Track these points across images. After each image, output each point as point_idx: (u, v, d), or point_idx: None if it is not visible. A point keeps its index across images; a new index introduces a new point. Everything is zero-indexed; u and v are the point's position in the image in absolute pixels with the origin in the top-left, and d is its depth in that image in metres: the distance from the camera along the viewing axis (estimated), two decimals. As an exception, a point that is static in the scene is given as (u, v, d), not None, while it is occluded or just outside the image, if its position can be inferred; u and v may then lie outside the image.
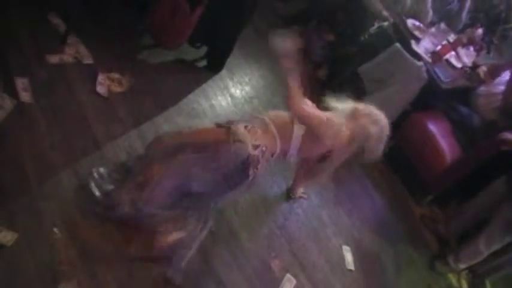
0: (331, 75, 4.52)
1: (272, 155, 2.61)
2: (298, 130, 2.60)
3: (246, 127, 2.52)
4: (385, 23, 4.19)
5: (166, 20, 3.28)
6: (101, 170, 2.63)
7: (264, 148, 2.51)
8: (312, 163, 2.95)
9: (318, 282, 3.12)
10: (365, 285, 3.32)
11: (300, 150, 2.65)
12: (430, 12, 4.35)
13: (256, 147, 2.49)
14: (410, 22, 4.17)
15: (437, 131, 4.12)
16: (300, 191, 3.45)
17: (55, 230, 2.39)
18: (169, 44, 3.50)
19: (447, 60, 4.19)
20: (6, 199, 2.37)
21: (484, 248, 3.67)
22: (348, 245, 3.48)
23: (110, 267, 2.44)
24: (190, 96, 3.51)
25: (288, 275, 3.03)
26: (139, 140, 2.98)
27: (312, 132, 2.60)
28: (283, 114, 2.67)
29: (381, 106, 3.93)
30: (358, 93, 4.04)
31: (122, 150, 2.88)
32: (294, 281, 3.02)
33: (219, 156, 2.45)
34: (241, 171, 2.50)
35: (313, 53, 4.69)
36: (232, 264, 2.86)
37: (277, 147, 2.59)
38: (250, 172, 2.51)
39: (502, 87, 4.10)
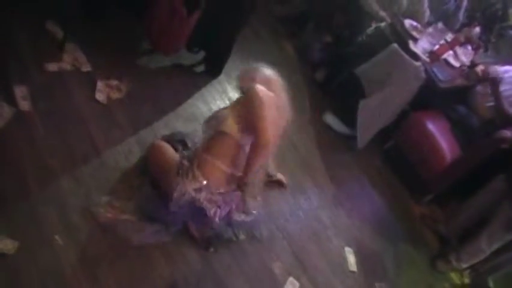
0: (329, 77, 4.52)
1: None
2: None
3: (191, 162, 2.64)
4: (382, 24, 4.19)
5: (163, 25, 3.28)
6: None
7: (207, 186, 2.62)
8: None
9: (321, 284, 3.12)
10: (367, 286, 3.32)
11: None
12: (427, 12, 4.35)
13: (198, 190, 2.61)
14: (407, 22, 4.17)
15: (436, 130, 4.12)
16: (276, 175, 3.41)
17: (56, 236, 2.41)
18: (167, 49, 3.50)
19: (445, 60, 4.19)
20: (7, 207, 2.39)
21: (485, 246, 3.67)
22: (349, 246, 3.48)
23: (111, 271, 2.46)
24: (189, 100, 3.52)
25: (291, 278, 3.03)
26: (138, 145, 2.99)
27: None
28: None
29: (380, 106, 3.99)
30: (357, 94, 4.06)
31: (122, 155, 2.90)
32: (297, 284, 3.03)
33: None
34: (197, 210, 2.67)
35: (311, 55, 4.69)
36: (233, 267, 2.86)
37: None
38: (208, 213, 2.67)
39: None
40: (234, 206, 2.82)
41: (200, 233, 2.82)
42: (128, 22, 3.54)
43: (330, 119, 4.27)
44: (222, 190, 2.67)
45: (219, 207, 2.70)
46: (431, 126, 4.13)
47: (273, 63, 4.27)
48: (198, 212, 2.67)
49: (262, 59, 4.20)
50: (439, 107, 4.28)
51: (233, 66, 3.93)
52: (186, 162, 2.65)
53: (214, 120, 2.64)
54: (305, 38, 4.87)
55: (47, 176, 2.59)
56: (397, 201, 4.17)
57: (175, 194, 2.60)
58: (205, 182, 2.61)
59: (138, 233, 2.62)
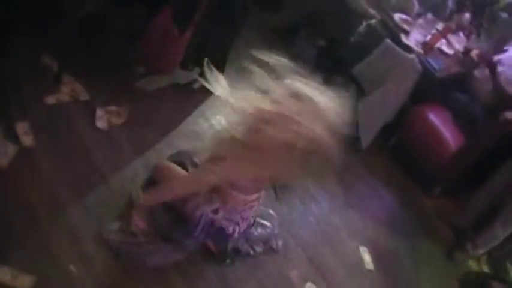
0: (326, 80, 4.52)
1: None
2: None
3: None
4: (373, 21, 4.21)
5: (157, 46, 3.30)
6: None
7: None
8: None
9: (339, 286, 3.12)
10: (386, 284, 3.32)
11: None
12: (416, 4, 4.37)
13: (215, 211, 2.60)
14: (397, 16, 4.19)
15: (439, 121, 4.14)
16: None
17: (71, 267, 2.41)
18: (162, 70, 3.52)
19: (439, 49, 4.20)
20: (20, 242, 2.39)
21: (500, 231, 3.66)
22: (364, 245, 3.49)
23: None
24: (190, 118, 3.53)
25: (309, 284, 3.03)
26: (143, 168, 2.99)
27: None
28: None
29: (380, 104, 4.00)
30: (356, 95, 4.07)
31: (128, 180, 2.90)
32: (315, 290, 3.03)
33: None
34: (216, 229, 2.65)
35: (306, 61, 4.70)
36: (251, 280, 2.86)
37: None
38: (227, 231, 2.66)
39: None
40: (252, 221, 2.82)
41: (217, 246, 2.83)
42: (121, 47, 3.55)
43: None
44: (239, 208, 2.67)
45: (237, 224, 2.70)
46: (433, 118, 4.15)
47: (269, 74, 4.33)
48: (216, 231, 2.67)
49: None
50: (439, 98, 4.29)
51: (229, 79, 3.93)
52: None
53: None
54: (299, 45, 4.89)
55: (56, 207, 2.59)
56: (408, 196, 4.17)
57: (194, 216, 2.61)
58: (220, 204, 2.62)
59: (153, 256, 2.61)
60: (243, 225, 2.73)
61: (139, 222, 2.65)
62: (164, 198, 2.63)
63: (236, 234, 2.72)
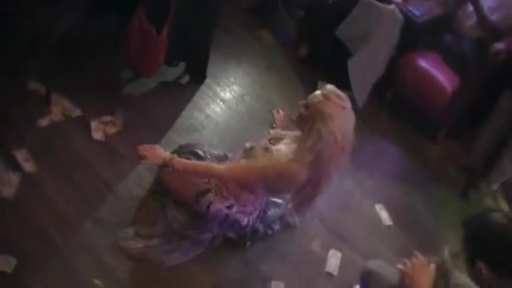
0: (312, 49, 4.51)
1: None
2: None
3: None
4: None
5: (138, 49, 3.29)
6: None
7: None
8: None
9: (362, 248, 3.14)
10: (407, 236, 3.33)
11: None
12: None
13: (229, 206, 2.65)
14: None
15: (430, 66, 4.11)
16: None
17: (96, 281, 2.45)
18: (148, 71, 3.51)
19: (418, -5, 4.16)
20: (40, 267, 2.43)
21: (510, 163, 3.65)
22: (379, 203, 3.50)
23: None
24: (184, 113, 3.54)
25: (332, 251, 3.07)
26: (147, 171, 3.01)
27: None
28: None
29: (368, 60, 3.98)
30: (344, 57, 4.04)
31: (134, 185, 2.93)
32: (339, 254, 3.06)
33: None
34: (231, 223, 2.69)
35: (287, 34, 4.69)
36: (273, 258, 2.90)
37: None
38: (242, 224, 2.69)
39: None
40: (263, 206, 2.84)
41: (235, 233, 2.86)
42: (103, 57, 3.56)
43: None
44: (251, 200, 2.70)
45: (250, 214, 2.73)
46: (423, 64, 4.12)
47: (255, 55, 4.35)
48: (231, 224, 2.70)
49: (241, 53, 4.29)
50: (426, 44, 4.26)
51: (215, 67, 3.94)
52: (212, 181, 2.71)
53: (248, 154, 2.62)
54: (278, 20, 4.88)
55: (69, 226, 2.63)
56: (414, 147, 4.16)
57: (208, 212, 2.66)
58: (235, 201, 2.67)
59: (172, 254, 2.65)
60: (256, 213, 2.77)
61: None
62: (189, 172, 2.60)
63: (251, 223, 2.75)
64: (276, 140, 2.58)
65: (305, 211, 2.73)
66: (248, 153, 2.60)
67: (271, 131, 2.71)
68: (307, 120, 2.31)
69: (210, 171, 2.55)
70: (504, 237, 1.80)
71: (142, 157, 2.51)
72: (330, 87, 2.34)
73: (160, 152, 2.55)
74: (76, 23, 3.20)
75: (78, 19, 3.21)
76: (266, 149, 2.51)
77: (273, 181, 2.45)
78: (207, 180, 2.68)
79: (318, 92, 2.33)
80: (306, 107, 2.34)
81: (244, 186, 2.62)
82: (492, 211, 1.89)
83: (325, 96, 2.29)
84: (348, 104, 2.33)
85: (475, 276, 1.87)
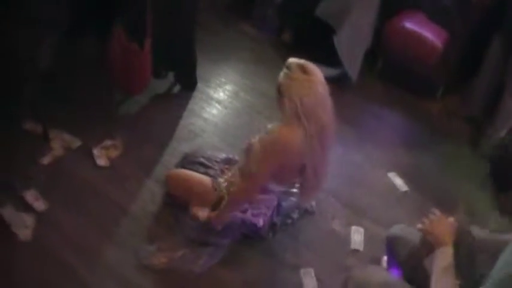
0: (296, 33, 4.50)
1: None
2: None
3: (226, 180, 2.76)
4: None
5: (123, 67, 3.29)
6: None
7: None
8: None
9: (383, 218, 3.11)
10: (425, 198, 3.30)
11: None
12: None
13: (244, 210, 2.70)
14: None
15: (416, 26, 4.11)
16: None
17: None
18: (138, 87, 3.51)
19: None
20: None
21: (513, 105, 3.65)
22: (391, 171, 3.49)
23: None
24: (182, 122, 3.55)
25: (353, 227, 3.06)
26: (157, 185, 3.03)
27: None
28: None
29: (353, 33, 3.96)
30: (329, 36, 4.03)
31: (147, 202, 2.94)
32: (362, 230, 3.05)
33: None
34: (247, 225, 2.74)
35: (269, 23, 4.68)
36: (296, 246, 2.90)
37: None
38: (258, 225, 2.72)
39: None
40: (276, 203, 2.84)
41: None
42: (92, 81, 3.59)
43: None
44: (263, 202, 2.72)
45: (265, 214, 2.74)
46: (409, 25, 4.13)
47: (240, 50, 4.34)
48: (248, 227, 2.73)
49: (226, 51, 4.29)
50: (408, 5, 4.25)
51: (204, 70, 3.94)
52: (223, 185, 2.74)
53: (249, 151, 2.63)
54: (257, 11, 4.87)
55: (91, 256, 2.64)
56: (414, 110, 4.15)
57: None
58: (248, 205, 2.69)
59: (197, 262, 2.66)
60: (270, 212, 2.78)
61: None
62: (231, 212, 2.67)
63: (266, 223, 2.77)
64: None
65: (314, 196, 2.79)
66: (248, 153, 2.62)
67: (269, 126, 2.71)
68: (282, 98, 2.35)
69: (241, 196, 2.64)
70: None
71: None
72: (290, 59, 2.37)
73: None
74: (56, 46, 3.22)
75: (58, 41, 3.24)
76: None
77: (276, 164, 2.46)
78: (216, 187, 2.73)
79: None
80: (278, 88, 2.37)
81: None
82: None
83: (287, 68, 2.34)
84: (312, 69, 2.34)
85: (504, 208, 1.85)
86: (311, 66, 2.35)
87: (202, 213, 2.69)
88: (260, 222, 2.70)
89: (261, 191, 2.65)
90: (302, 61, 2.35)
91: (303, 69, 2.31)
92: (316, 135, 2.37)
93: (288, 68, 2.34)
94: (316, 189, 2.73)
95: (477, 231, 2.16)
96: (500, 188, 1.79)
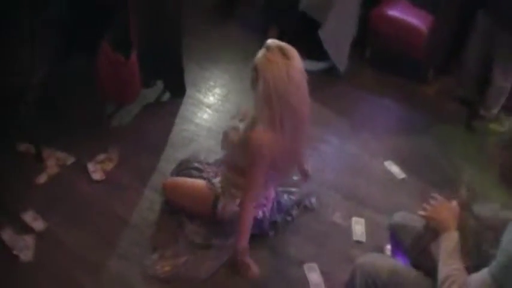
0: (281, 30, 4.49)
1: None
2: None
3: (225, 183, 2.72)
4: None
5: (112, 79, 3.28)
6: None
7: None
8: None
9: (383, 207, 3.11)
10: (424, 182, 3.30)
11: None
12: None
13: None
14: None
15: (399, 12, 4.14)
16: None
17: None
18: (128, 98, 3.52)
19: None
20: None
21: (503, 82, 3.64)
22: (388, 159, 3.49)
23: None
24: (175, 128, 3.55)
25: (354, 218, 3.06)
26: (155, 193, 3.03)
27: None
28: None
29: (338, 24, 3.96)
30: (315, 29, 4.02)
31: (146, 211, 2.94)
32: (362, 220, 3.05)
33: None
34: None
35: (254, 22, 4.69)
36: (299, 242, 2.90)
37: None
38: (258, 217, 2.71)
39: None
40: (274, 195, 2.84)
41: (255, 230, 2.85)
42: (81, 96, 3.60)
43: (305, 64, 4.24)
44: (261, 193, 2.70)
45: (264, 206, 2.74)
46: (392, 12, 4.15)
47: (227, 52, 4.34)
48: None
49: (213, 55, 4.29)
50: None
51: (192, 75, 3.95)
52: (218, 185, 2.73)
53: (226, 140, 2.62)
54: (242, 11, 4.88)
55: (96, 269, 2.63)
56: (407, 95, 4.15)
57: (225, 218, 2.69)
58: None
59: (201, 267, 2.66)
60: (269, 204, 2.78)
61: None
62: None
63: (267, 215, 2.77)
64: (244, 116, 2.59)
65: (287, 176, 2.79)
66: (225, 136, 2.62)
67: (241, 107, 2.71)
68: (256, 78, 2.33)
69: (246, 216, 2.54)
70: None
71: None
72: (270, 40, 2.34)
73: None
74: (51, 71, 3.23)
75: (52, 65, 3.24)
76: (235, 128, 2.55)
77: (267, 163, 2.44)
78: (210, 187, 2.72)
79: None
80: (253, 68, 2.35)
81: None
82: None
83: (267, 48, 2.30)
84: (291, 53, 2.29)
85: None
86: (291, 49, 2.30)
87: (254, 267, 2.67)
88: (259, 213, 2.70)
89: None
90: (282, 43, 2.32)
91: (283, 52, 2.27)
92: (289, 119, 2.34)
93: (268, 48, 2.30)
94: (287, 172, 2.74)
95: (479, 209, 2.15)
96: None
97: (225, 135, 2.62)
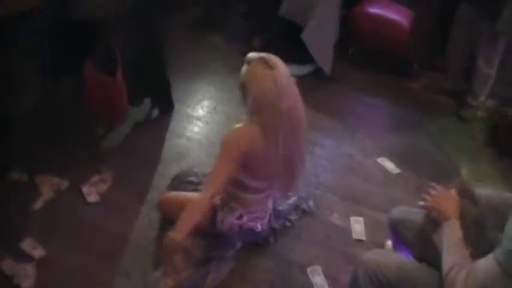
0: (264, 38, 4.52)
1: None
2: None
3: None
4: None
5: (99, 101, 3.28)
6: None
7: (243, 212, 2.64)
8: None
9: (381, 204, 3.15)
10: (420, 176, 3.34)
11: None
12: None
13: (239, 217, 2.64)
14: None
15: (380, 9, 4.20)
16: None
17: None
18: (117, 118, 3.51)
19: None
20: None
21: (487, 69, 3.68)
22: (381, 156, 3.52)
23: None
24: (166, 145, 3.55)
25: (352, 218, 3.07)
26: (153, 210, 3.02)
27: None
28: None
29: (320, 26, 3.98)
30: (296, 32, 4.04)
31: (146, 229, 2.93)
32: (361, 219, 3.06)
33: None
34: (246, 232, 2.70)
35: (238, 32, 4.72)
36: (300, 246, 2.90)
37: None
38: (256, 230, 2.70)
39: None
40: (271, 205, 2.83)
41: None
42: (69, 120, 3.58)
43: (291, 69, 4.26)
44: (259, 206, 2.70)
45: (262, 218, 2.73)
46: (373, 10, 4.20)
47: (213, 64, 4.35)
48: (247, 233, 2.71)
49: (197, 67, 4.30)
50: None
51: (179, 90, 3.95)
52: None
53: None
54: (224, 23, 4.92)
55: (101, 289, 2.63)
56: (395, 91, 4.21)
57: (223, 230, 2.67)
58: (242, 209, 2.65)
59: (205, 278, 2.64)
60: (267, 217, 2.77)
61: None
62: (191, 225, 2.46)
63: (265, 227, 2.76)
64: None
65: (290, 189, 2.74)
66: None
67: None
68: (245, 95, 2.33)
69: (197, 206, 2.40)
70: None
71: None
72: (250, 54, 2.34)
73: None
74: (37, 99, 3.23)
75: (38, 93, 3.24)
76: None
77: (232, 159, 2.37)
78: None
79: None
80: (240, 86, 2.35)
81: (243, 185, 2.56)
82: None
83: (248, 63, 2.30)
84: (273, 62, 2.27)
85: None
86: (272, 58, 2.29)
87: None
88: (258, 226, 2.69)
89: (248, 191, 2.58)
90: (262, 54, 2.31)
91: (265, 62, 2.26)
92: (285, 128, 2.33)
93: (249, 63, 2.30)
94: (291, 182, 2.64)
95: (479, 194, 2.14)
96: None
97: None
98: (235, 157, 2.35)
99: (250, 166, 2.42)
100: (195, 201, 2.40)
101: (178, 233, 2.31)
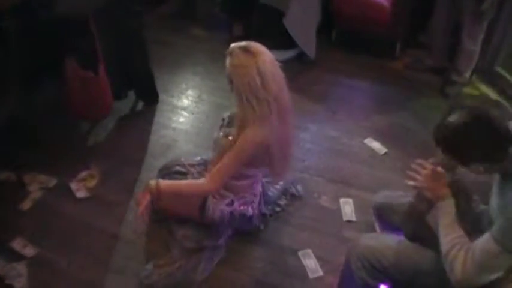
0: (246, 26, 4.50)
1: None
2: None
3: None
4: None
5: (83, 97, 3.29)
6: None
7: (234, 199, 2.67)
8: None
9: (369, 184, 3.15)
10: (407, 154, 3.30)
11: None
12: None
13: (230, 203, 2.66)
14: None
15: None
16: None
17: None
18: (102, 114, 3.51)
19: None
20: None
21: (471, 45, 3.68)
22: (367, 137, 3.52)
23: None
24: (152, 137, 3.54)
25: (341, 199, 3.08)
26: (142, 205, 3.00)
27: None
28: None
29: (302, 11, 3.97)
30: (278, 18, 4.03)
31: (136, 223, 2.87)
32: (350, 200, 3.07)
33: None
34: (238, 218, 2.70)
35: (218, 22, 4.71)
36: (290, 231, 2.91)
37: None
38: (248, 215, 2.70)
39: None
40: (261, 190, 2.84)
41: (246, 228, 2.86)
42: (54, 117, 3.57)
43: (274, 55, 4.24)
44: (249, 190, 2.71)
45: (252, 202, 2.74)
46: (354, -9, 4.15)
47: (195, 54, 4.33)
48: (239, 219, 2.71)
49: (180, 58, 4.28)
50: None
51: (163, 81, 3.95)
52: None
53: (217, 148, 2.61)
54: (204, 13, 4.89)
55: (94, 289, 2.63)
56: (379, 72, 4.21)
57: (214, 218, 2.66)
58: (233, 195, 2.67)
59: (196, 269, 2.65)
60: (257, 200, 2.77)
61: None
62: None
63: (256, 211, 2.76)
64: (232, 121, 2.60)
65: (285, 173, 2.73)
66: (216, 144, 2.61)
67: (224, 115, 2.71)
68: (233, 86, 2.32)
69: (195, 190, 2.53)
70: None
71: (138, 205, 2.53)
72: (231, 45, 2.32)
73: (146, 188, 2.53)
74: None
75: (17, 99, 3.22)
76: (227, 135, 2.53)
77: (251, 154, 2.42)
78: None
79: None
80: (228, 78, 2.34)
81: (237, 176, 2.60)
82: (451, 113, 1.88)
83: (230, 54, 2.29)
84: (256, 48, 2.26)
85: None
86: (254, 45, 2.28)
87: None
88: (249, 211, 2.69)
89: (239, 178, 2.61)
90: (243, 43, 2.29)
91: (246, 51, 2.25)
92: (275, 113, 2.34)
93: (231, 54, 2.29)
94: (285, 165, 2.66)
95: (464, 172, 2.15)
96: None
97: (216, 143, 2.62)
98: (249, 157, 2.40)
99: (253, 159, 2.46)
100: (200, 186, 2.48)
101: (161, 184, 2.46)
